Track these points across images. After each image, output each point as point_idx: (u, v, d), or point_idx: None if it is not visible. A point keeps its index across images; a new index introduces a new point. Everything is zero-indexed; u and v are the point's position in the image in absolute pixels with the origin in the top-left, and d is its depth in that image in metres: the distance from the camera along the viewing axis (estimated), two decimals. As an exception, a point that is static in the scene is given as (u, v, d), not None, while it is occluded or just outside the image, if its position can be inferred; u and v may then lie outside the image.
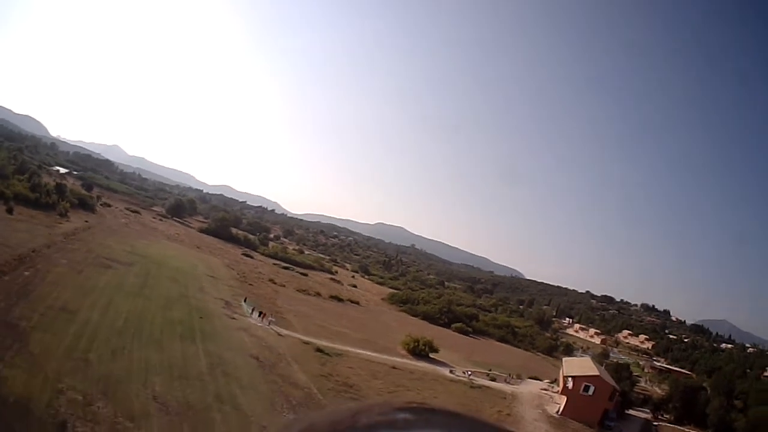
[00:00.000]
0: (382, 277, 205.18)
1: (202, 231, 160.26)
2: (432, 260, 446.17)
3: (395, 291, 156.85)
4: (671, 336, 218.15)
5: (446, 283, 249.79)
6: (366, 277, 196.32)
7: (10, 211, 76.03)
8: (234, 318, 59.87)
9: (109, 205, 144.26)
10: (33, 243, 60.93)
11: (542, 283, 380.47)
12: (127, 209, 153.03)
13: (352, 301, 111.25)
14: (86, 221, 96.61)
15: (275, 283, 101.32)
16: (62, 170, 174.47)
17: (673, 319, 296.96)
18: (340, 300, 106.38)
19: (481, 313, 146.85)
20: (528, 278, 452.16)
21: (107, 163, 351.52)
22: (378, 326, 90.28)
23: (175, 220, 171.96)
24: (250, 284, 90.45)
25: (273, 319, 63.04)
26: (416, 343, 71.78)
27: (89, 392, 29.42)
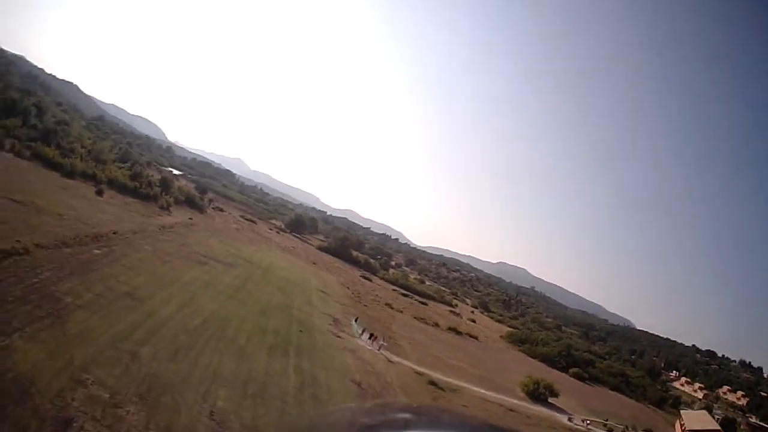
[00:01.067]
0: (501, 315, 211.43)
1: (320, 249, 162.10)
2: (549, 303, 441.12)
3: (514, 330, 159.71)
4: (763, 393, 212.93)
5: (563, 327, 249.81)
6: (485, 313, 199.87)
7: (99, 192, 75.23)
8: (340, 336, 56.47)
9: (222, 210, 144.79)
10: (117, 226, 58.30)
11: (652, 334, 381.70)
12: (242, 217, 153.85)
13: (470, 336, 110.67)
14: (190, 218, 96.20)
15: (392, 308, 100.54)
16: (175, 171, 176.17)
17: (765, 376, 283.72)
18: (458, 333, 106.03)
19: (597, 360, 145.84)
20: (639, 328, 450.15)
21: (227, 173, 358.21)
22: (496, 363, 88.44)
23: (294, 235, 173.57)
24: (365, 305, 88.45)
25: (385, 344, 60.35)
26: (536, 386, 70.59)
27: (122, 392, 23.82)
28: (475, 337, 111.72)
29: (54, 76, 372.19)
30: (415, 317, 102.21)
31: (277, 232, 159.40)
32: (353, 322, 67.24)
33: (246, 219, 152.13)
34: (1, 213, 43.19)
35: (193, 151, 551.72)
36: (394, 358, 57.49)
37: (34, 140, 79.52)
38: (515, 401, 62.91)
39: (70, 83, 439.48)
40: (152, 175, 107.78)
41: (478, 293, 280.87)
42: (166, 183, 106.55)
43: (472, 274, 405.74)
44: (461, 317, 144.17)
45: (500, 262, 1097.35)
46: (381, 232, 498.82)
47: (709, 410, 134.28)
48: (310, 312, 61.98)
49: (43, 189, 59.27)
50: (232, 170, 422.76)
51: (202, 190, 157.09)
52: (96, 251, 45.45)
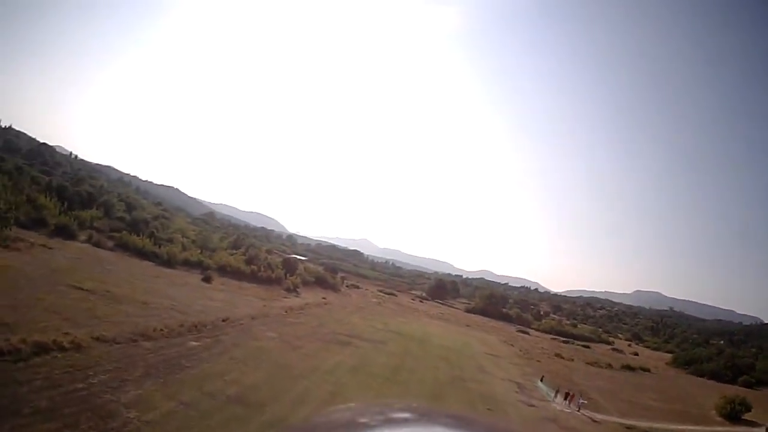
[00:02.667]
0: (655, 342, 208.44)
1: (468, 311, 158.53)
2: (689, 320, 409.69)
3: (676, 353, 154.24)
4: None
5: (709, 340, 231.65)
6: (640, 344, 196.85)
7: (207, 279, 67.19)
8: (533, 405, 48.45)
9: (358, 287, 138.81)
10: (228, 313, 49.15)
11: None
12: (380, 291, 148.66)
13: (642, 369, 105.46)
14: (323, 297, 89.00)
15: (563, 358, 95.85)
16: (299, 257, 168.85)
17: None
18: (631, 369, 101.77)
19: (757, 363, 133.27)
20: None
21: (355, 253, 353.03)
22: (678, 392, 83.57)
23: (437, 302, 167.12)
24: (537, 360, 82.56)
25: (584, 401, 52.70)
26: (731, 405, 66.51)
27: None
28: (647, 370, 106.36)
29: (150, 182, 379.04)
30: (587, 363, 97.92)
31: (420, 301, 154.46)
32: (539, 383, 59.99)
33: (384, 293, 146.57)
34: (57, 301, 33.68)
35: (315, 238, 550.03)
36: (597, 416, 50.52)
37: (119, 231, 72.72)
38: (719, 428, 60.00)
39: (170, 187, 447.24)
40: (270, 258, 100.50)
41: (626, 325, 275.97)
42: (289, 264, 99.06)
43: (616, 308, 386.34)
44: (624, 353, 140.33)
45: (636, 291, 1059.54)
46: (519, 285, 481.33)
47: None
48: (488, 381, 53.93)
49: (126, 277, 50.98)
50: (359, 250, 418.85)
51: (332, 269, 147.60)
52: (193, 343, 34.47)
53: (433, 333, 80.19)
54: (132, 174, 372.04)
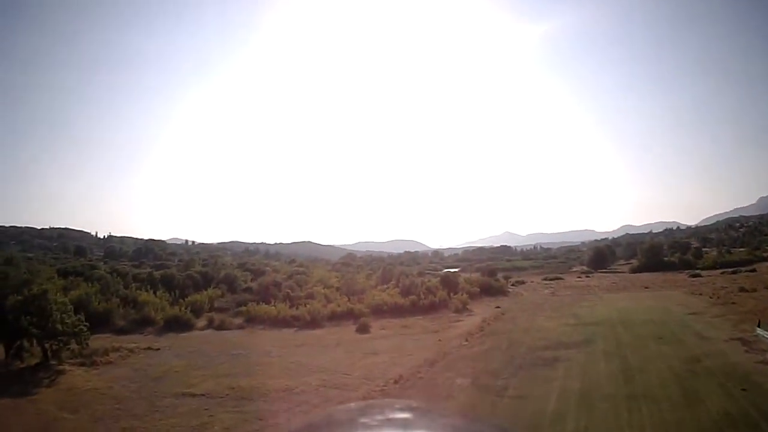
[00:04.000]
0: None
1: (634, 271, 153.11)
2: None
3: None
4: None
5: None
6: None
7: (363, 329, 60.59)
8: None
9: (523, 282, 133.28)
10: (398, 366, 42.97)
11: None
12: (545, 279, 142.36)
13: None
14: (497, 307, 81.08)
15: (747, 291, 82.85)
16: (453, 270, 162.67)
17: None
18: None
19: None
20: None
21: (504, 249, 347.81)
22: None
23: (601, 272, 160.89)
24: (733, 303, 71.72)
25: None
26: None
27: None
28: None
29: (281, 243, 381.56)
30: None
31: (587, 276, 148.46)
32: (758, 330, 48.99)
33: (549, 279, 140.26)
34: (154, 426, 29.49)
35: (460, 246, 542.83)
36: None
37: (246, 304, 69.75)
38: None
39: (302, 242, 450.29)
40: (428, 281, 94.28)
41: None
42: (449, 281, 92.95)
43: (750, 222, 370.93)
44: None
45: (760, 198, 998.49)
46: (661, 230, 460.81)
47: None
48: (715, 349, 45.18)
49: (259, 359, 46.18)
50: (506, 244, 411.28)
51: (491, 272, 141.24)
52: None
53: (625, 308, 72.51)
54: (258, 242, 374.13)
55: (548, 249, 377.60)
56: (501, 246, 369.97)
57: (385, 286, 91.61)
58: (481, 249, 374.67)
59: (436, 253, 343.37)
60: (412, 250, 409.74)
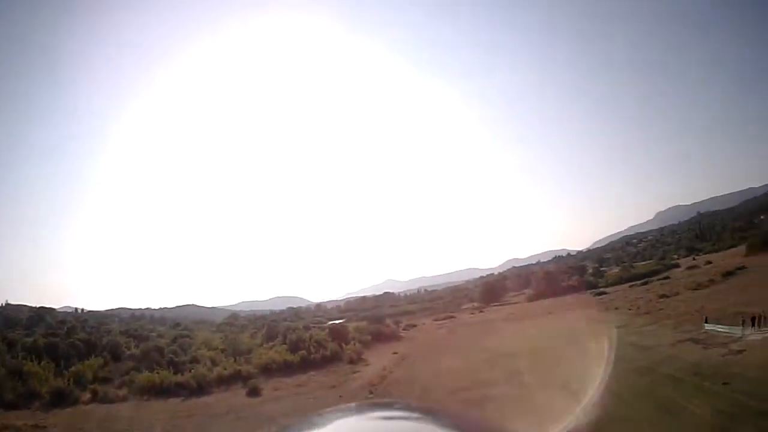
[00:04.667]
0: (712, 246, 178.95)
1: (530, 300, 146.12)
2: (720, 213, 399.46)
3: (749, 240, 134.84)
4: None
5: (753, 220, 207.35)
6: (699, 255, 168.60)
7: (254, 392, 55.89)
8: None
9: (414, 325, 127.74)
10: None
11: None
12: (436, 320, 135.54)
13: (738, 269, 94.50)
14: (395, 353, 77.36)
15: (667, 296, 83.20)
16: (337, 321, 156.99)
17: None
18: (731, 274, 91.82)
19: None
20: None
21: (386, 296, 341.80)
22: None
23: (495, 305, 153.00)
24: (660, 309, 72.49)
25: None
26: None
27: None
28: (743, 267, 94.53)
29: (165, 308, 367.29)
30: (690, 289, 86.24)
31: (480, 312, 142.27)
32: (706, 326, 49.72)
33: (441, 320, 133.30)
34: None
35: (342, 298, 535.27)
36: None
37: (129, 372, 64.13)
38: None
39: (186, 305, 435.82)
40: (316, 334, 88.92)
41: (671, 246, 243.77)
42: (338, 332, 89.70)
43: (649, 237, 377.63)
44: (700, 266, 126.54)
45: (657, 213, 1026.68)
46: (548, 259, 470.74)
47: None
48: (663, 353, 43.61)
49: None
50: (388, 291, 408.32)
51: (378, 319, 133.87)
52: None
53: (537, 335, 68.07)
54: (144, 307, 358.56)
55: (433, 291, 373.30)
56: (384, 293, 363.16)
57: (272, 343, 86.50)
58: (363, 298, 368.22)
59: (319, 306, 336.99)
60: (295, 306, 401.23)
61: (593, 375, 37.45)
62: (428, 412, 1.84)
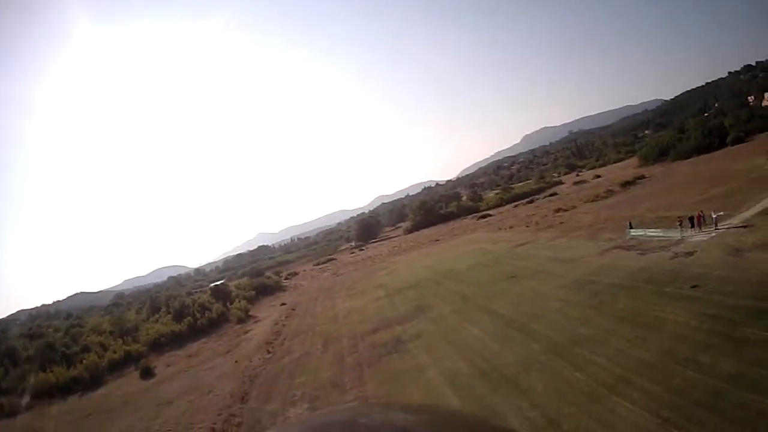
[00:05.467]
0: (596, 162, 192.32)
1: (409, 232, 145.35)
2: (595, 132, 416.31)
3: (640, 152, 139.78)
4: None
5: (637, 135, 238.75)
6: (582, 171, 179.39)
7: (147, 373, 50.32)
8: (679, 255, 33.57)
9: (296, 273, 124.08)
10: (202, 416, 31.01)
11: (696, 88, 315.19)
12: (317, 264, 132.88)
13: (637, 178, 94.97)
14: (283, 304, 72.17)
15: (566, 210, 78.99)
16: (218, 282, 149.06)
17: None
18: (630, 183, 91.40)
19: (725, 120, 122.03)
20: (671, 98, 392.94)
21: (263, 249, 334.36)
22: (722, 172, 66.39)
23: (374, 242, 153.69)
24: (561, 223, 66.41)
25: (720, 214, 39.42)
26: None
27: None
28: (643, 176, 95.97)
29: (58, 300, 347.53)
30: (587, 202, 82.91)
31: (360, 250, 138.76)
32: (631, 231, 44.48)
33: (322, 263, 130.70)
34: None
35: (219, 259, 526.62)
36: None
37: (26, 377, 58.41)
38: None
39: (76, 294, 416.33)
40: (200, 298, 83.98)
41: (546, 165, 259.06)
42: (219, 293, 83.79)
43: (521, 159, 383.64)
44: (589, 181, 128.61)
45: (524, 136, 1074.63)
46: (417, 191, 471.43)
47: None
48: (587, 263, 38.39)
49: None
50: (264, 244, 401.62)
51: (258, 273, 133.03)
52: None
53: (434, 264, 63.06)
54: (39, 305, 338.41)
55: (306, 237, 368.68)
56: (258, 247, 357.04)
57: (156, 315, 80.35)
58: (240, 255, 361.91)
59: (198, 270, 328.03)
60: (175, 274, 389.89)
61: (526, 301, 33.32)
62: (428, 414, 1.66)
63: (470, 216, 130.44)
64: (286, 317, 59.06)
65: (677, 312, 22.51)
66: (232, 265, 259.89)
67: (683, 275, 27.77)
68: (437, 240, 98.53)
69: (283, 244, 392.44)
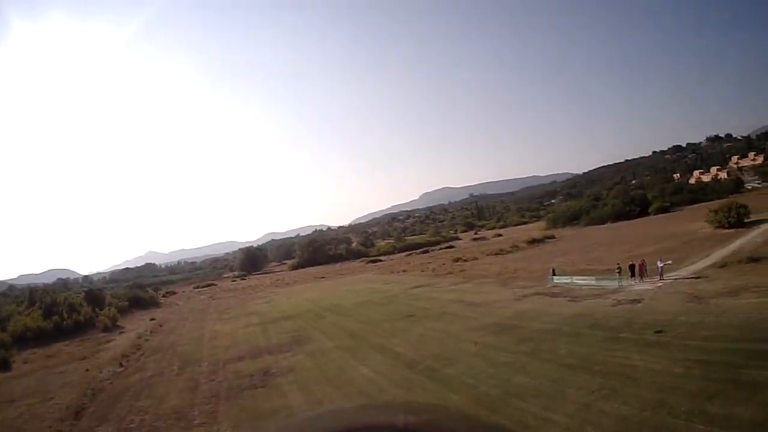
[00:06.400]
0: (498, 222, 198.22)
1: (294, 268, 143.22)
2: (496, 197, 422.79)
3: (549, 216, 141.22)
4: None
5: (543, 202, 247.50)
6: (481, 230, 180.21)
7: (3, 365, 44.89)
8: (621, 302, 28.62)
9: (174, 292, 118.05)
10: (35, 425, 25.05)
11: (612, 164, 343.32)
12: (196, 287, 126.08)
13: (547, 238, 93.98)
14: (152, 319, 67.43)
15: (465, 260, 76.18)
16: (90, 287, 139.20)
17: (739, 138, 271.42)
18: (538, 241, 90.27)
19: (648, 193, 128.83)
20: (582, 172, 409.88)
21: (148, 267, 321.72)
22: (636, 236, 67.37)
23: (257, 274, 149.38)
24: (462, 270, 63.23)
25: (667, 263, 35.37)
26: (728, 211, 58.29)
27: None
28: (552, 237, 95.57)
29: None
30: (489, 255, 80.00)
31: (242, 279, 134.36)
32: (554, 278, 40.02)
33: (203, 286, 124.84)
34: None
35: (108, 270, 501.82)
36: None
37: None
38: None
39: None
40: (71, 297, 77.90)
41: (444, 222, 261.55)
42: (93, 296, 77.44)
43: (417, 214, 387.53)
44: (489, 239, 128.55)
45: (423, 194, 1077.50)
46: (309, 232, 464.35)
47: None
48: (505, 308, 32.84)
49: None
50: (151, 262, 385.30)
51: (139, 286, 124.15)
52: None
53: (318, 298, 59.11)
54: None
55: (193, 262, 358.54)
56: (146, 264, 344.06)
57: (30, 309, 72.92)
58: (127, 269, 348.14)
59: (87, 278, 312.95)
60: (65, 278, 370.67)
61: (420, 337, 27.95)
62: (429, 415, 1.57)
63: (359, 260, 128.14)
64: (151, 332, 54.04)
65: (649, 359, 17.55)
66: (118, 278, 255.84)
67: (638, 322, 23.24)
68: (323, 277, 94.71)
69: (170, 265, 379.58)
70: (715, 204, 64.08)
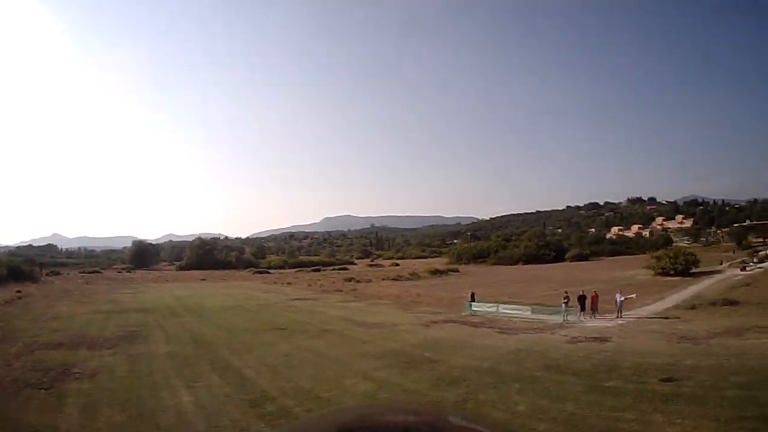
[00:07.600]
0: (392, 254, 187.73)
1: (182, 269, 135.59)
2: (397, 231, 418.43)
3: (454, 252, 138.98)
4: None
5: (445, 240, 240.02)
6: (377, 259, 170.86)
7: None
8: (578, 339, 21.93)
9: (59, 273, 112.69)
10: None
11: (521, 214, 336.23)
12: (82, 272, 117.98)
13: (451, 271, 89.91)
14: (18, 291, 60.83)
15: (358, 281, 70.72)
16: None
17: (664, 202, 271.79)
18: (441, 273, 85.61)
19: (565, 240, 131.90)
20: (489, 218, 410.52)
21: (49, 248, 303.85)
22: (535, 279, 63.23)
23: (144, 270, 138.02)
24: (354, 289, 57.42)
25: (629, 296, 30.74)
26: (675, 259, 55.51)
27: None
28: (456, 270, 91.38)
29: None
30: (384, 279, 74.93)
31: (128, 272, 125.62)
32: (474, 307, 33.17)
33: (88, 273, 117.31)
34: None
35: (14, 245, 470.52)
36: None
37: None
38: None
39: None
40: None
41: (340, 247, 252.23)
42: None
43: (316, 235, 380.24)
44: (384, 266, 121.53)
45: (325, 218, 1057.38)
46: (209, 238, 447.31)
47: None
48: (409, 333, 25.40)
49: None
50: (53, 244, 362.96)
51: (30, 261, 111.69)
52: None
53: (187, 296, 53.82)
54: None
55: (93, 251, 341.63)
56: (48, 245, 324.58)
57: None
58: (31, 247, 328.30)
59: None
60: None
61: (287, 358, 19.52)
62: (430, 415, 1.53)
63: (248, 269, 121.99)
64: (6, 303, 47.24)
65: (683, 421, 10.75)
66: (22, 253, 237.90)
67: (624, 366, 16.16)
68: (204, 279, 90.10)
69: (71, 249, 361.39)
70: (660, 252, 60.58)
